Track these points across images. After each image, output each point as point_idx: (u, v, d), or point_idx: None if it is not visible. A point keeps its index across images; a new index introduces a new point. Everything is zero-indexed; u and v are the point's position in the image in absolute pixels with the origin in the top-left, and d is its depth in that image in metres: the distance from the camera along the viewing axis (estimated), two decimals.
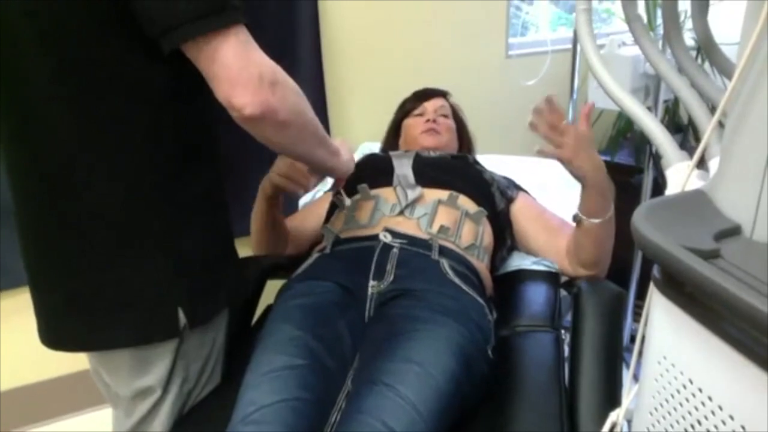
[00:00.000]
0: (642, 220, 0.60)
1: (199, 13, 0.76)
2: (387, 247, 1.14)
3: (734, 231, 0.58)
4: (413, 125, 1.57)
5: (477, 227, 1.25)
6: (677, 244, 0.55)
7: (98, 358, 0.99)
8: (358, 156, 1.64)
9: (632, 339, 2.08)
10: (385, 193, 1.30)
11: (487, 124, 1.82)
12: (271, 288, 1.25)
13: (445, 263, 1.12)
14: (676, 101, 2.13)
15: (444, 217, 1.23)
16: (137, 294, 0.91)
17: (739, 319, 0.50)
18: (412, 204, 1.25)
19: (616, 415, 0.74)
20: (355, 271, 1.11)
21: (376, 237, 1.17)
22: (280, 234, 1.39)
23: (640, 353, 0.67)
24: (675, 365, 0.59)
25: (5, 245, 1.52)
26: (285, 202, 1.43)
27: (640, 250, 1.80)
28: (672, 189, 0.84)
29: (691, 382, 0.57)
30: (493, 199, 1.36)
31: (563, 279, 1.33)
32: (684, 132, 2.21)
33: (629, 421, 0.72)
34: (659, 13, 1.85)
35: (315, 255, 1.23)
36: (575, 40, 1.98)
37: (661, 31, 1.61)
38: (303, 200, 1.71)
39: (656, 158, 1.87)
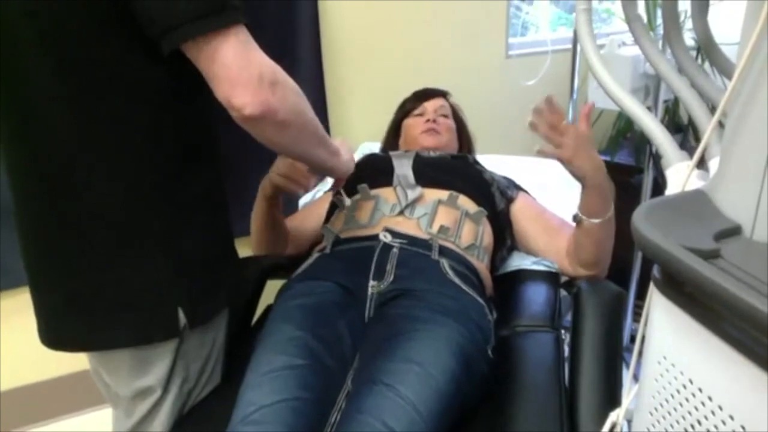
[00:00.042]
0: (642, 220, 0.60)
1: (199, 13, 0.76)
2: (387, 247, 1.14)
3: (734, 231, 0.58)
4: (413, 125, 1.57)
5: (477, 227, 1.25)
6: (677, 244, 0.55)
7: (98, 358, 0.99)
8: (357, 156, 1.64)
9: (632, 339, 2.08)
10: (385, 193, 1.30)
11: (487, 124, 1.82)
12: (271, 288, 1.25)
13: (445, 263, 1.12)
14: (676, 101, 2.13)
15: (444, 217, 1.23)
16: (137, 294, 0.91)
17: (739, 319, 0.50)
18: (412, 204, 1.25)
19: (616, 415, 0.74)
20: (355, 271, 1.11)
21: (376, 237, 1.17)
22: (279, 234, 1.39)
23: (640, 353, 0.67)
24: (675, 365, 0.59)
25: (5, 245, 1.52)
26: (285, 202, 1.43)
27: (640, 250, 1.79)
28: (672, 189, 0.84)
29: (691, 382, 0.57)
30: (493, 199, 1.36)
31: (563, 279, 1.33)
32: (684, 132, 2.21)
33: (629, 421, 0.72)
34: (659, 13, 1.85)
35: (315, 255, 1.23)
36: (575, 40, 1.98)
37: (661, 31, 1.61)
38: (303, 200, 1.71)
39: (656, 158, 1.87)
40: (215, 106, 0.83)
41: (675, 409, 0.60)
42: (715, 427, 0.54)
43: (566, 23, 2.51)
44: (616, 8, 2.44)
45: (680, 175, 0.83)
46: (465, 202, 1.28)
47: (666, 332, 0.61)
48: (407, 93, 1.68)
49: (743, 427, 0.51)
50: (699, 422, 0.56)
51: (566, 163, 1.13)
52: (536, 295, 1.29)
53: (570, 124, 1.12)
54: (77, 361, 1.15)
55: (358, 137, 1.96)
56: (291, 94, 0.87)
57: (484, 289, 1.19)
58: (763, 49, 0.55)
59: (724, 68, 1.04)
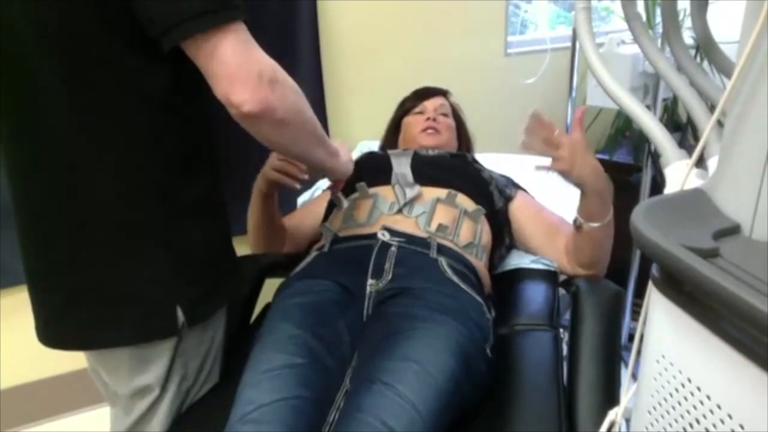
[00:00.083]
0: (641, 218, 0.60)
1: (199, 10, 0.76)
2: (385, 246, 1.14)
3: (733, 230, 0.58)
4: (413, 123, 1.57)
5: (475, 226, 1.25)
6: (676, 243, 0.55)
7: (96, 357, 0.99)
8: (356, 154, 1.64)
9: (630, 338, 2.08)
10: (384, 192, 1.30)
11: (486, 122, 1.82)
12: (270, 286, 1.25)
13: (443, 262, 1.12)
14: (675, 100, 2.13)
15: (442, 216, 1.23)
16: (136, 293, 0.91)
17: (738, 318, 0.50)
18: (411, 202, 1.25)
19: (614, 414, 0.74)
20: (354, 269, 1.11)
21: (374, 235, 1.17)
22: (276, 231, 1.39)
23: (639, 352, 0.67)
24: (673, 364, 0.59)
25: (5, 245, 1.52)
26: (283, 200, 1.43)
27: (638, 249, 1.80)
28: (671, 188, 0.83)
29: (689, 380, 0.57)
30: (492, 197, 1.36)
31: (562, 278, 1.33)
32: (683, 130, 2.21)
33: (628, 420, 0.72)
34: (658, 11, 1.85)
35: (313, 253, 1.22)
36: (574, 39, 1.97)
37: (660, 29, 1.61)
38: (301, 199, 1.71)
39: (655, 157, 1.87)
40: (215, 105, 0.83)
41: (673, 408, 0.60)
42: (714, 426, 0.54)
43: (565, 21, 2.51)
44: (615, 6, 2.44)
45: (679, 174, 0.83)
46: (463, 201, 1.28)
47: (665, 331, 0.61)
48: (406, 92, 1.68)
49: (742, 426, 0.51)
50: (697, 421, 0.56)
51: (565, 175, 1.13)
52: (535, 294, 1.29)
53: (563, 133, 1.13)
54: (76, 360, 1.15)
55: (357, 136, 1.96)
56: (290, 92, 0.87)
57: (483, 288, 1.19)
58: (762, 48, 0.55)
59: (723, 67, 1.04)
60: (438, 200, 1.26)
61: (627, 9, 1.11)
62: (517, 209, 1.39)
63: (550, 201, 1.47)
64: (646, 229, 0.58)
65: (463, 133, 1.66)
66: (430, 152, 1.47)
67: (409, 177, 1.31)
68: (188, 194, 0.93)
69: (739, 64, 0.57)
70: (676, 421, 0.59)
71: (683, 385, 0.58)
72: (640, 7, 1.46)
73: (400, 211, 1.24)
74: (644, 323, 0.65)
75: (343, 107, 1.97)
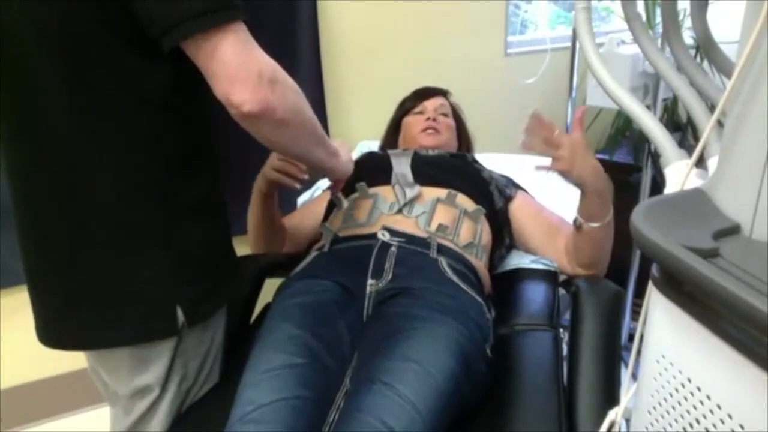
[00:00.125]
0: (641, 218, 0.60)
1: (199, 10, 0.76)
2: (385, 246, 1.14)
3: (733, 230, 0.58)
4: (413, 123, 1.57)
5: (475, 226, 1.25)
6: (676, 242, 0.55)
7: (96, 357, 0.99)
8: (356, 154, 1.64)
9: (630, 338, 2.08)
10: (384, 192, 1.30)
11: (486, 122, 1.82)
12: (270, 286, 1.25)
13: (443, 261, 1.12)
14: (675, 100, 2.13)
15: (442, 216, 1.23)
16: (137, 293, 0.91)
17: (739, 318, 0.50)
18: (411, 202, 1.25)
19: (614, 414, 0.74)
20: (354, 269, 1.11)
21: (374, 235, 1.17)
22: (276, 231, 1.39)
23: (639, 352, 0.67)
24: (673, 364, 0.59)
25: (5, 245, 1.52)
26: (283, 200, 1.43)
27: (638, 249, 1.80)
28: (671, 188, 0.83)
29: (689, 380, 0.57)
30: (492, 197, 1.36)
31: (562, 278, 1.33)
32: (683, 130, 2.21)
33: (628, 420, 0.72)
34: (658, 11, 1.85)
35: (313, 253, 1.22)
36: (574, 39, 1.97)
37: (660, 29, 1.61)
38: (301, 199, 1.71)
39: (655, 157, 1.87)
40: (215, 105, 0.83)
41: (673, 408, 0.60)
42: (714, 425, 0.54)
43: (565, 21, 2.51)
44: (615, 6, 2.44)
45: (679, 174, 0.83)
46: (463, 201, 1.28)
47: (665, 331, 0.61)
48: (406, 92, 1.68)
49: (741, 426, 0.51)
50: (697, 421, 0.56)
51: (566, 175, 1.13)
52: (535, 294, 1.29)
53: (563, 133, 1.13)
54: (76, 360, 1.15)
55: (357, 136, 1.96)
56: (290, 92, 0.87)
57: (483, 288, 1.19)
58: (762, 48, 0.55)
59: (723, 67, 1.04)
60: (438, 200, 1.26)
61: (627, 9, 1.11)
62: (517, 209, 1.39)
63: (550, 201, 1.47)
64: (646, 229, 0.58)
65: (463, 133, 1.66)
66: (430, 152, 1.47)
67: (409, 177, 1.31)
68: (188, 194, 0.93)
69: (739, 64, 0.57)
70: (676, 421, 0.59)
71: (683, 385, 0.58)
72: (640, 7, 1.46)
73: (400, 211, 1.24)
74: (644, 323, 0.65)
75: (343, 107, 1.97)
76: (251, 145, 0.94)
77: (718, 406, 0.54)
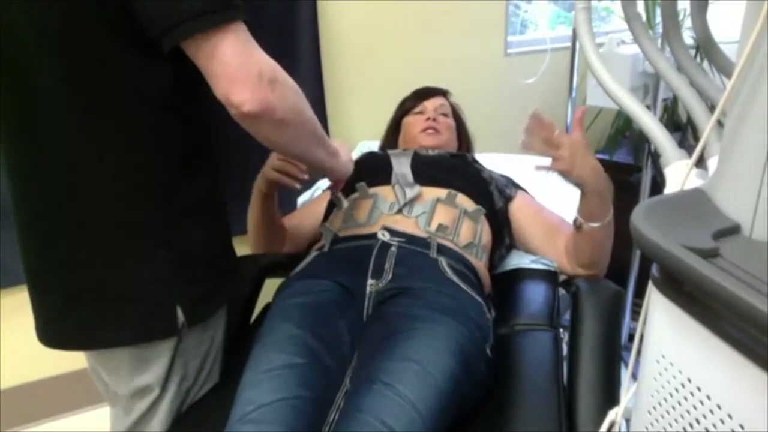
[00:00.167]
0: (641, 218, 0.60)
1: (199, 10, 0.76)
2: (385, 246, 1.14)
3: (733, 230, 0.58)
4: (413, 123, 1.57)
5: (475, 226, 1.25)
6: (676, 243, 0.55)
7: (96, 357, 0.99)
8: (356, 154, 1.64)
9: (630, 338, 2.08)
10: (384, 192, 1.30)
11: (486, 122, 1.82)
12: (270, 286, 1.25)
13: (443, 262, 1.12)
14: (675, 100, 2.13)
15: (442, 216, 1.23)
16: (137, 293, 0.91)
17: (739, 319, 0.50)
18: (411, 202, 1.25)
19: (614, 414, 0.74)
20: (354, 269, 1.11)
21: (374, 235, 1.17)
22: (276, 231, 1.39)
23: (639, 352, 0.67)
24: (673, 364, 0.59)
25: (5, 245, 1.52)
26: (283, 200, 1.43)
27: (638, 249, 1.80)
28: (671, 188, 0.83)
29: (689, 380, 0.57)
30: (492, 197, 1.36)
31: (562, 278, 1.33)
32: (683, 130, 2.21)
33: (628, 420, 0.72)
34: (658, 11, 1.85)
35: (313, 253, 1.22)
36: (574, 39, 1.97)
37: (660, 29, 1.61)
38: (301, 199, 1.71)
39: (655, 157, 1.87)
40: (215, 105, 0.83)
41: (673, 408, 0.60)
42: (714, 425, 0.54)
43: (565, 21, 2.51)
44: (615, 6, 2.44)
45: (679, 174, 0.83)
46: (463, 201, 1.28)
47: (665, 331, 0.61)
48: (406, 92, 1.68)
49: (741, 426, 0.51)
50: (697, 421, 0.56)
51: (565, 175, 1.13)
52: (535, 294, 1.29)
53: (563, 133, 1.13)
54: (76, 360, 1.15)
55: (357, 136, 1.96)
56: (290, 92, 0.87)
57: (483, 288, 1.19)
58: (762, 48, 0.55)
59: (723, 67, 1.04)
60: (438, 200, 1.26)
61: (627, 9, 1.11)
62: (517, 209, 1.39)
63: (550, 201, 1.47)
64: (646, 229, 0.58)
65: (463, 133, 1.66)
66: (430, 152, 1.47)
67: (409, 177, 1.31)
68: (188, 194, 0.93)
69: (739, 64, 0.57)
70: (676, 421, 0.59)
71: (683, 385, 0.58)
72: (640, 7, 1.46)
73: (400, 211, 1.24)
74: (644, 323, 0.65)
75: (343, 107, 1.97)
76: (251, 145, 0.94)
77: (718, 406, 0.54)
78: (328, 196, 1.41)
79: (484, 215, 1.28)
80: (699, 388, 0.56)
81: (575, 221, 1.21)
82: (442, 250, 1.15)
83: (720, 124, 0.66)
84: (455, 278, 1.09)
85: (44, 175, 0.88)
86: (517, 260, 1.40)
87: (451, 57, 2.10)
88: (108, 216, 0.88)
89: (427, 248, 1.15)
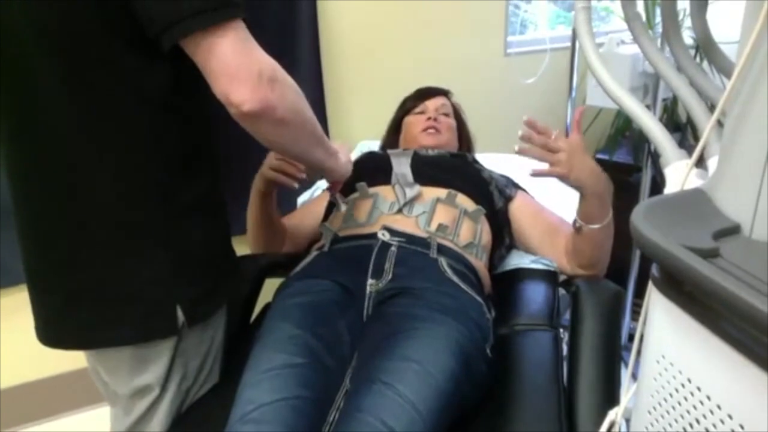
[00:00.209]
0: (641, 219, 0.60)
1: (199, 8, 0.76)
2: (385, 246, 1.14)
3: (733, 230, 0.58)
4: (414, 123, 1.57)
5: (475, 226, 1.25)
6: (676, 243, 0.55)
7: (96, 357, 0.99)
8: (356, 154, 1.64)
9: (630, 338, 2.08)
10: (384, 192, 1.30)
11: (486, 122, 1.82)
12: (270, 286, 1.25)
13: (443, 261, 1.12)
14: (674, 100, 2.13)
15: (442, 216, 1.23)
16: (137, 293, 0.91)
17: (739, 319, 0.50)
18: (411, 202, 1.25)
19: (614, 414, 0.74)
20: (354, 269, 1.11)
21: (374, 235, 1.17)
22: (276, 231, 1.39)
23: (639, 352, 0.67)
24: (673, 364, 0.59)
25: (5, 245, 1.52)
26: (283, 200, 1.43)
27: (638, 249, 1.80)
28: (671, 188, 0.83)
29: (689, 380, 0.57)
30: (492, 197, 1.36)
31: (562, 278, 1.33)
32: (683, 130, 2.21)
33: (628, 420, 0.72)
34: (658, 11, 1.85)
35: (313, 253, 1.22)
36: (574, 38, 1.97)
37: (660, 29, 1.61)
38: (301, 199, 1.71)
39: (655, 157, 1.87)
40: (215, 105, 0.83)
41: (673, 408, 0.60)
42: (714, 426, 0.54)
43: (565, 21, 2.51)
44: (615, 6, 2.44)
45: (679, 174, 0.83)
46: (463, 201, 1.28)
47: (665, 331, 0.61)
48: (406, 91, 1.68)
49: (742, 426, 0.51)
50: (697, 421, 0.56)
51: (564, 178, 1.13)
52: (535, 294, 1.29)
53: (560, 137, 1.13)
54: (76, 360, 1.16)
55: (357, 136, 1.96)
56: (290, 92, 0.87)
57: (483, 288, 1.19)
58: (762, 48, 0.55)
59: (723, 67, 1.04)
60: (438, 200, 1.26)
61: (627, 9, 1.11)
62: (517, 209, 1.39)
63: (550, 201, 1.47)
64: (646, 229, 0.58)
65: (464, 133, 1.66)
66: (430, 152, 1.47)
67: (409, 177, 1.31)
68: (188, 194, 0.93)
69: (739, 64, 0.57)
70: (676, 421, 0.59)
71: (683, 385, 0.58)
72: (640, 7, 1.46)
73: (400, 210, 1.24)
74: (644, 323, 0.65)
75: (343, 107, 1.97)
76: (251, 145, 0.94)
77: (718, 407, 0.54)
78: (327, 195, 1.41)
79: (484, 215, 1.28)
80: (699, 388, 0.56)
81: (575, 223, 1.21)
82: (442, 250, 1.15)
83: (720, 124, 0.66)
84: (455, 278, 1.09)
85: (44, 175, 0.88)
86: (517, 260, 1.40)
87: (451, 57, 2.10)
88: (108, 216, 0.88)
89: (427, 248, 1.15)
